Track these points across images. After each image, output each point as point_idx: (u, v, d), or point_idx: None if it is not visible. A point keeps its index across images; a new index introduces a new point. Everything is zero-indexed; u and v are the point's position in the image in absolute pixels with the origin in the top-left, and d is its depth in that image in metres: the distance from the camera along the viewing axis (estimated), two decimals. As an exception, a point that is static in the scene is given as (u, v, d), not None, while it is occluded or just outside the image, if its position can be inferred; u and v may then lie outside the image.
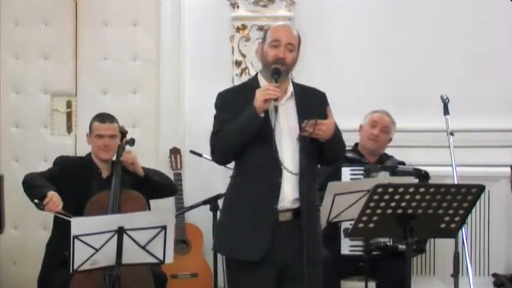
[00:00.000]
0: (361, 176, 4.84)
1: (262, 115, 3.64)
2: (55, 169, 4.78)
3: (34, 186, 4.53)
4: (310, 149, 3.72)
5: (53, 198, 4.39)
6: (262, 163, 3.69)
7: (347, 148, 4.03)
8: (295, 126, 3.75)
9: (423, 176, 4.92)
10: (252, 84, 3.83)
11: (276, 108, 3.66)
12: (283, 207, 3.71)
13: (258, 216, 3.69)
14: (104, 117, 4.84)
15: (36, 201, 4.40)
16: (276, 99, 3.64)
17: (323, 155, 3.81)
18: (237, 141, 3.69)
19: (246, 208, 3.72)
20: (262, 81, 3.82)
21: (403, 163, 5.17)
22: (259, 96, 3.63)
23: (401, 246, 4.73)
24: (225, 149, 3.74)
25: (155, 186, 4.81)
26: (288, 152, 3.72)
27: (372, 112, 5.20)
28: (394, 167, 4.94)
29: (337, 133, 3.75)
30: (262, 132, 3.66)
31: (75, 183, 4.65)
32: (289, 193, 3.71)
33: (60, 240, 4.51)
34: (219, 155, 3.79)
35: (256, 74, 3.92)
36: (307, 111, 3.75)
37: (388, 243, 4.79)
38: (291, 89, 3.82)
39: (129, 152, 4.78)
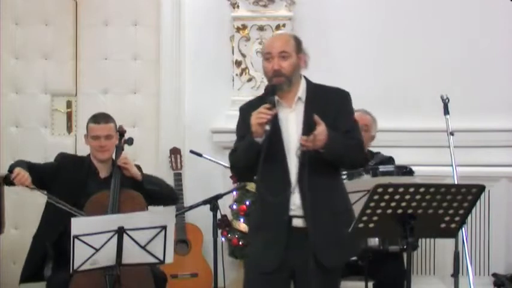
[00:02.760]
0: (344, 181, 4.79)
1: (263, 137, 3.51)
2: (51, 163, 4.81)
3: (10, 166, 4.60)
4: (315, 159, 3.58)
5: (20, 172, 4.45)
6: (273, 176, 3.62)
7: None
8: (296, 137, 3.59)
9: (407, 173, 4.88)
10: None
11: (266, 132, 3.49)
12: (294, 214, 3.63)
13: (271, 229, 3.64)
14: (98, 118, 4.79)
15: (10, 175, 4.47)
16: (266, 123, 3.49)
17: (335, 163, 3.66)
18: (245, 164, 3.64)
19: (260, 221, 3.70)
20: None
21: (390, 158, 5.13)
22: (253, 120, 3.53)
23: (392, 247, 4.73)
24: (239, 169, 3.78)
25: (151, 193, 4.71)
26: (294, 163, 3.61)
27: None
28: (376, 169, 4.89)
29: (333, 139, 3.52)
30: (271, 146, 3.55)
31: (70, 180, 4.65)
32: (298, 201, 3.63)
33: (46, 234, 4.62)
34: (237, 174, 4.01)
35: None
36: (320, 115, 3.54)
37: (380, 247, 4.78)
38: (299, 94, 3.67)
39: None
